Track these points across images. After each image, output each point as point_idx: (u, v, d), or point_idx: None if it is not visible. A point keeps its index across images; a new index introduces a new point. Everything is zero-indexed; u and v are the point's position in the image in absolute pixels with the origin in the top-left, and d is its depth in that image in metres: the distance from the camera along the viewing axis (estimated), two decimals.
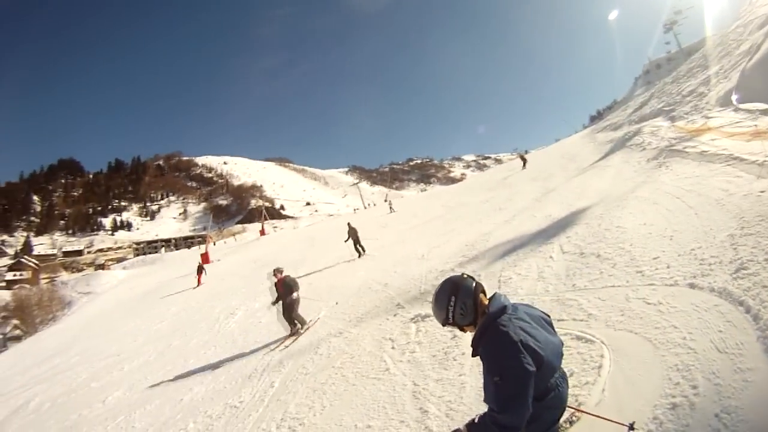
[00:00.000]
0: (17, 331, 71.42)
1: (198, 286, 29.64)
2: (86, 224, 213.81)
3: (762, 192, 7.96)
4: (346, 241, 22.50)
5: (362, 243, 22.05)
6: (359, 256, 21.62)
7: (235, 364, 12.01)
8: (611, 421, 3.90)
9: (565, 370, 4.75)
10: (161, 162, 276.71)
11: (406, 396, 6.69)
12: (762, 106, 17.11)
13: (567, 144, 46.00)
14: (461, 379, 6.44)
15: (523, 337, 2.88)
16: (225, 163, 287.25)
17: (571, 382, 5.08)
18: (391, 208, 45.53)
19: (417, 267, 15.25)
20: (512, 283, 9.45)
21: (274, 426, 7.38)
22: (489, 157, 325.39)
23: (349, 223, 23.20)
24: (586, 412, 4.43)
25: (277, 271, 13.61)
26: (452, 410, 5.79)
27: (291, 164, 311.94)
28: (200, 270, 32.37)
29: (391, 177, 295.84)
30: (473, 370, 6.50)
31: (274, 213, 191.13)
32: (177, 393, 11.32)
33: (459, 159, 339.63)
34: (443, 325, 3.31)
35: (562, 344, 3.11)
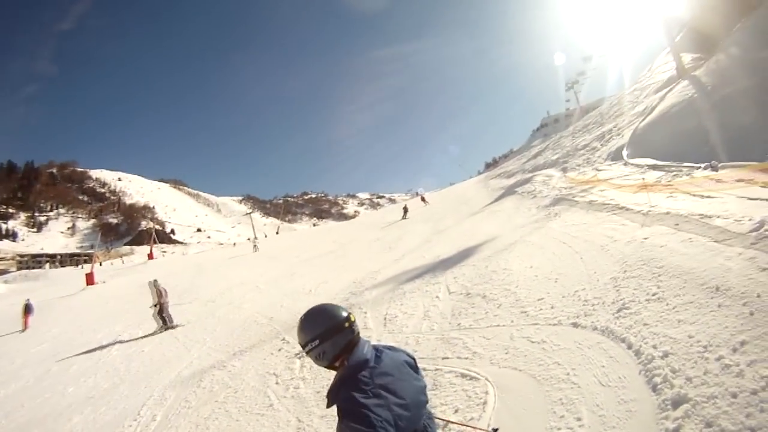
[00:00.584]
0: None
1: (24, 329, 26.14)
2: None
3: (645, 239, 8.34)
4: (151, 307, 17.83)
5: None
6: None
7: (116, 393, 11.57)
8: (477, 428, 3.94)
9: (450, 407, 4.74)
10: (55, 170, 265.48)
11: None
12: (650, 161, 18.08)
13: (461, 188, 47.17)
14: None
15: (382, 400, 2.76)
16: (119, 179, 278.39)
17: (455, 417, 5.18)
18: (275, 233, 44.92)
19: (304, 302, 15.04)
20: (398, 321, 9.54)
21: None
22: (383, 196, 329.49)
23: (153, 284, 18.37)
24: (452, 422, 4.78)
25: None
26: None
27: (185, 187, 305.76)
28: (27, 310, 27.92)
29: (285, 209, 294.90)
30: None
31: (164, 237, 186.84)
32: (55, 424, 10.83)
33: (353, 196, 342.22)
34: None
35: (425, 386, 3.01)
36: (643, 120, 23.71)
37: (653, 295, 6.15)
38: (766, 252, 6.18)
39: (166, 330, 16.30)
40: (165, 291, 17.45)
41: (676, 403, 4.23)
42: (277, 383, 8.54)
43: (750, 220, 7.44)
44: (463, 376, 6.15)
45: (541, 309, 7.45)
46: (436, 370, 6.62)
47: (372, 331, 9.48)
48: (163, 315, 16.66)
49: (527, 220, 16.21)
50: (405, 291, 11.83)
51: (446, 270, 12.59)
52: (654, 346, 5.02)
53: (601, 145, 27.82)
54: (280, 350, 10.52)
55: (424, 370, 6.60)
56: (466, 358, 6.67)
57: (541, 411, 4.86)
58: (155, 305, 16.76)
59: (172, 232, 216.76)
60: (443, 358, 6.91)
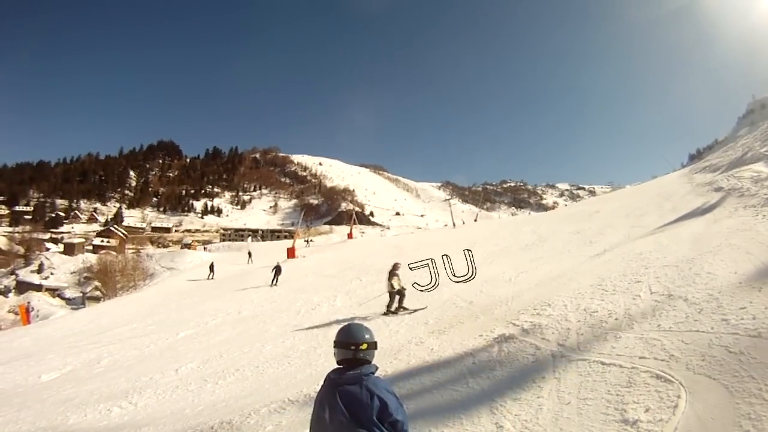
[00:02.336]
0: (97, 292, 74.82)
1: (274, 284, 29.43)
2: (178, 204, 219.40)
3: None
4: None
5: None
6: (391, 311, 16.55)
7: (311, 355, 12.48)
8: None
9: (642, 405, 5.07)
10: (258, 155, 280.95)
11: (482, 410, 6.88)
12: None
13: (664, 182, 44.67)
14: (539, 401, 6.65)
15: None
16: (320, 164, 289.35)
17: (645, 417, 5.45)
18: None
19: (503, 288, 15.40)
20: (597, 316, 9.59)
21: None
22: (583, 188, 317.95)
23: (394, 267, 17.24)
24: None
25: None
26: (527, 429, 6.05)
27: (385, 172, 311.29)
28: (277, 271, 31.53)
29: (483, 197, 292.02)
30: (551, 394, 6.75)
31: (363, 218, 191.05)
32: (251, 373, 11.91)
33: (553, 186, 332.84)
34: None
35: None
36: None
37: None
38: None
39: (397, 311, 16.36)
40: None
41: None
42: (473, 363, 8.91)
43: None
44: (658, 377, 6.25)
45: (742, 318, 7.31)
46: (632, 368, 6.73)
47: (571, 323, 9.59)
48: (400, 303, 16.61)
49: (733, 222, 15.44)
50: (605, 286, 11.77)
51: (648, 269, 12.36)
52: None
53: None
54: (480, 335, 10.75)
55: (620, 367, 6.88)
56: (663, 360, 6.72)
57: (728, 423, 4.97)
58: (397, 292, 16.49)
59: (371, 214, 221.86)
60: (640, 358, 7.00)
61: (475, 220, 63.57)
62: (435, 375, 8.81)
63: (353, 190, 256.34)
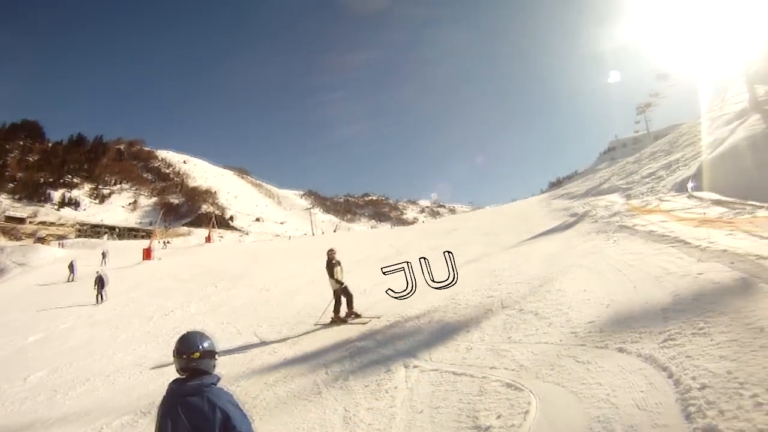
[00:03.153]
0: None
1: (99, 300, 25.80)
2: (35, 193, 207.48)
3: (699, 274, 8.46)
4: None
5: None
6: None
7: (164, 364, 12.10)
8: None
9: (493, 412, 5.18)
10: (123, 147, 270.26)
11: (336, 420, 6.91)
12: (714, 196, 17.99)
13: (523, 205, 46.95)
14: (391, 411, 6.71)
15: None
16: (185, 162, 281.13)
17: (497, 423, 5.52)
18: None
19: (360, 299, 15.22)
20: (450, 328, 9.84)
21: None
22: (443, 206, 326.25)
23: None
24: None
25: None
26: None
27: (248, 176, 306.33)
28: (101, 284, 25.88)
29: (345, 208, 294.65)
30: (404, 404, 6.82)
31: (223, 222, 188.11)
32: (102, 383, 11.43)
33: (414, 203, 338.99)
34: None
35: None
36: (712, 152, 23.56)
37: (700, 329, 6.34)
38: None
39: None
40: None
41: None
42: (326, 374, 8.92)
43: None
44: (509, 386, 6.43)
45: (590, 332, 7.65)
46: (483, 377, 6.91)
47: (423, 335, 9.83)
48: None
49: (585, 244, 16.28)
50: (458, 301, 12.09)
51: (500, 284, 12.85)
52: (693, 378, 5.26)
53: (667, 174, 27.69)
54: (334, 346, 10.78)
55: (471, 377, 7.06)
56: (513, 370, 6.96)
57: (579, 426, 5.15)
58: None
59: (232, 218, 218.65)
60: (491, 368, 7.21)
61: (334, 231, 64.06)
62: (289, 385, 8.72)
63: (215, 192, 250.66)
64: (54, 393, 11.33)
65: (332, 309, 13.52)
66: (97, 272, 26.52)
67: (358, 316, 13.34)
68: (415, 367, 8.08)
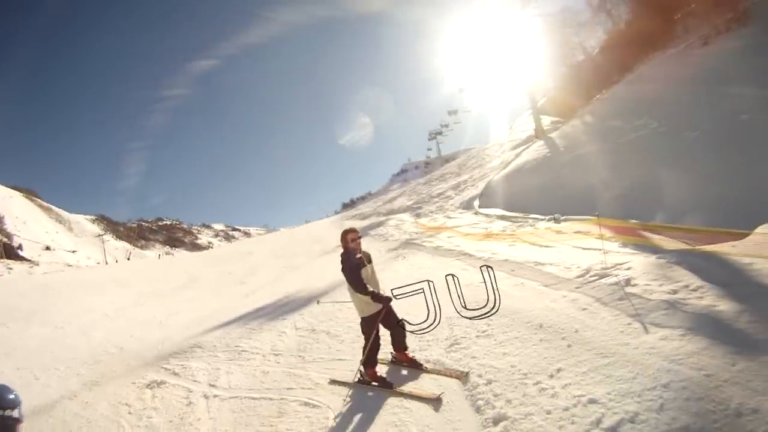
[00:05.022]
0: None
1: None
2: None
3: (481, 283, 9.05)
4: None
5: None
6: None
7: None
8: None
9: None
10: None
11: None
12: (499, 212, 19.32)
13: (317, 226, 47.78)
14: None
15: None
16: None
17: None
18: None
19: (155, 332, 15.02)
20: (246, 355, 9.93)
21: None
22: (238, 229, 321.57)
23: None
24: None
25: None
26: None
27: (38, 199, 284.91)
28: None
29: (138, 234, 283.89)
30: None
31: (11, 252, 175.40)
32: None
33: (208, 227, 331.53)
34: None
35: None
36: (498, 173, 25.13)
37: (483, 332, 7.08)
38: (587, 295, 7.24)
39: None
40: None
41: (497, 421, 5.12)
42: (129, 413, 8.63)
43: (578, 267, 8.49)
44: (306, 404, 6.73)
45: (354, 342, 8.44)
46: (281, 399, 7.13)
47: (221, 363, 9.81)
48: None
49: (375, 261, 16.83)
50: (253, 326, 12.25)
51: (294, 306, 13.15)
52: (479, 375, 5.94)
53: (456, 194, 29.26)
54: (131, 381, 10.38)
55: (270, 399, 7.26)
56: (310, 389, 7.26)
57: (379, 429, 5.60)
58: None
59: (20, 247, 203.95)
60: (288, 389, 7.46)
61: (128, 259, 61.78)
62: (93, 430, 8.39)
63: (2, 217, 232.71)
64: None
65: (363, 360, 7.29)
66: None
67: (417, 364, 7.22)
68: (215, 396, 8.12)
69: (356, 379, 7.05)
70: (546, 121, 29.82)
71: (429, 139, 78.37)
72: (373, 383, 6.87)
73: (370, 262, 7.61)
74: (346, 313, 10.53)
